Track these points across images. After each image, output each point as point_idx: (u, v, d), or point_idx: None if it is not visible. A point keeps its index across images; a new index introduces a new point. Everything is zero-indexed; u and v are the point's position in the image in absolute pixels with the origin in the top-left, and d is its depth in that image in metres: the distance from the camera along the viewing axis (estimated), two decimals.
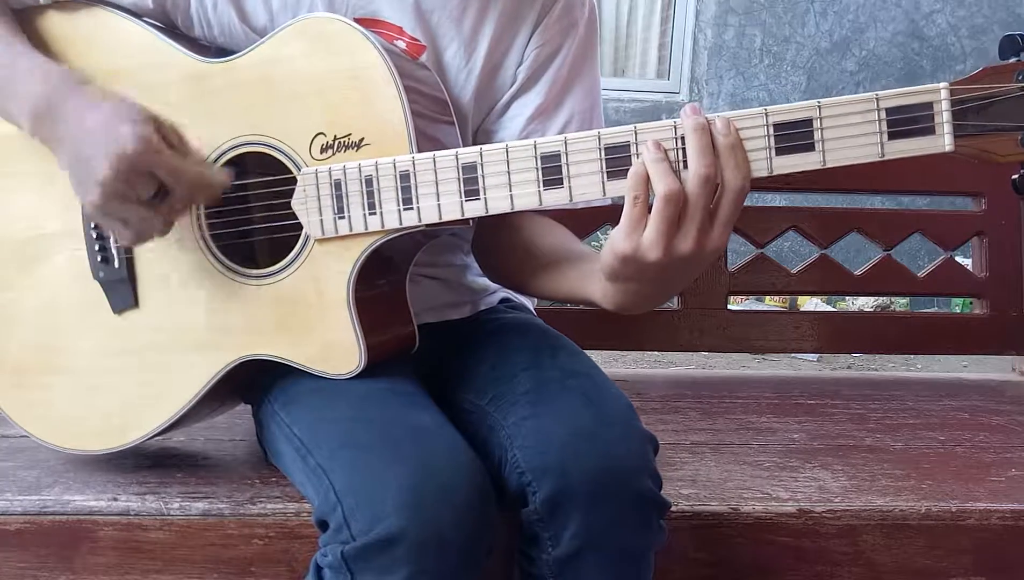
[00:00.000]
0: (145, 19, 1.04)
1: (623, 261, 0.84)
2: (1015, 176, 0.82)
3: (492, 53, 1.08)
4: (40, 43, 1.04)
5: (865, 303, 4.81)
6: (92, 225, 1.03)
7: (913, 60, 5.74)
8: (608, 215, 1.57)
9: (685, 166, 0.82)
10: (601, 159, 0.86)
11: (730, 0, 5.68)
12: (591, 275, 0.94)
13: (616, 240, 0.84)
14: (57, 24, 1.05)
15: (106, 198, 0.90)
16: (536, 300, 1.31)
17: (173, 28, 1.06)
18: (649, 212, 0.82)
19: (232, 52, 1.00)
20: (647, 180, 0.82)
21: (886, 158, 0.80)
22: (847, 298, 4.89)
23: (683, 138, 0.82)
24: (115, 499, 1.01)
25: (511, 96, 1.10)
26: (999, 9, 5.77)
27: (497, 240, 1.10)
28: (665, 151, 0.82)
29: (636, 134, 0.84)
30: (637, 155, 0.84)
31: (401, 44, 1.04)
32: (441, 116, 1.00)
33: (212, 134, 0.99)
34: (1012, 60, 0.78)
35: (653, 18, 5.91)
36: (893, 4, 5.76)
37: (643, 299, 0.91)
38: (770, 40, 5.75)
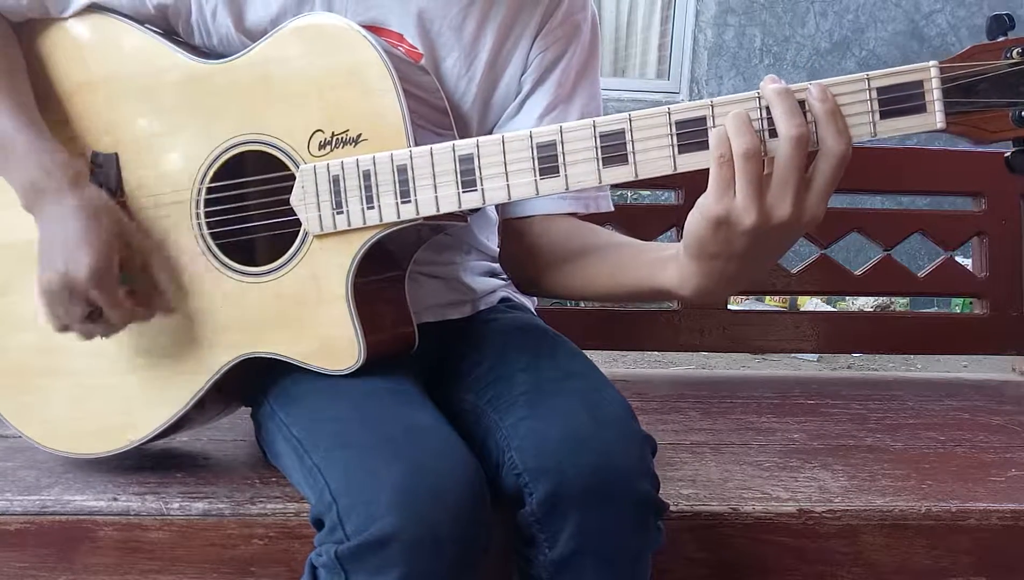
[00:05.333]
0: (146, 24, 1.04)
1: (715, 226, 0.80)
2: (1007, 154, 0.83)
3: (493, 61, 1.08)
4: (44, 50, 1.05)
5: (865, 303, 4.81)
6: None
7: (913, 60, 5.69)
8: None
9: (771, 135, 0.80)
10: (596, 147, 0.86)
11: (730, 0, 5.69)
12: (662, 262, 0.92)
13: (707, 204, 0.80)
14: (60, 30, 1.05)
15: (50, 301, 0.96)
16: (536, 300, 1.31)
17: (173, 34, 1.06)
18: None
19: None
20: (728, 139, 0.79)
21: (878, 137, 0.81)
22: (847, 298, 4.90)
23: (767, 108, 0.80)
24: (115, 499, 1.01)
25: (519, 102, 1.11)
26: (999, 9, 5.76)
27: (540, 249, 1.09)
28: (747, 114, 0.80)
29: (631, 121, 0.85)
30: (632, 142, 0.84)
31: (400, 51, 1.04)
32: (440, 121, 1.01)
33: (211, 134, 0.99)
34: (1000, 39, 0.79)
35: (653, 18, 5.92)
36: (893, 4, 5.77)
37: (725, 281, 0.86)
38: (770, 40, 5.75)
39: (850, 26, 5.75)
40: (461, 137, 1.04)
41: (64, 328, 0.98)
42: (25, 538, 0.99)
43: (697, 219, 0.82)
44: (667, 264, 0.91)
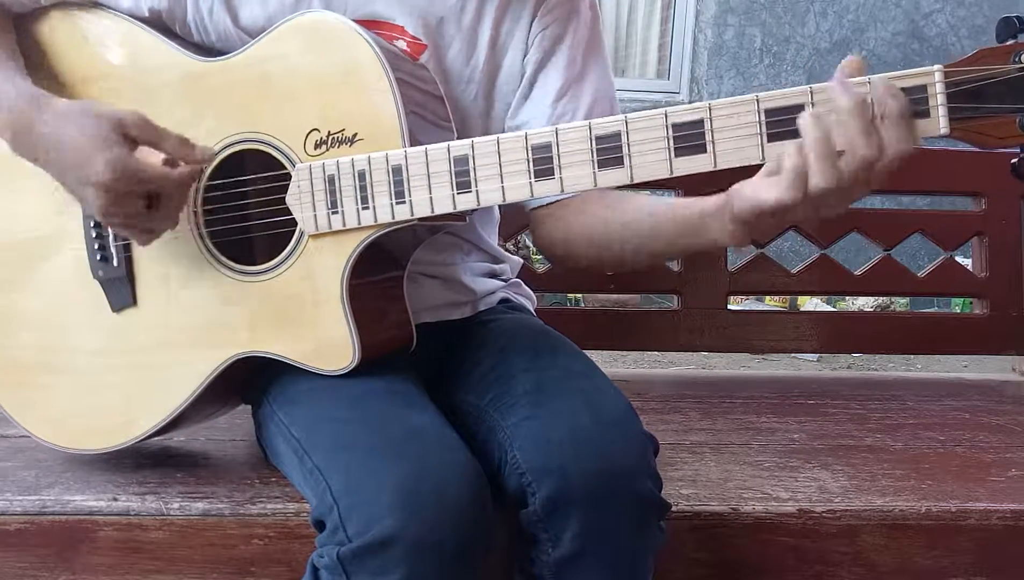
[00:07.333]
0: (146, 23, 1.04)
1: (773, 213, 0.82)
2: (1014, 160, 0.81)
3: (493, 44, 1.09)
4: (41, 44, 1.05)
5: (865, 303, 4.81)
6: (92, 224, 1.03)
7: (913, 60, 5.74)
8: None
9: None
10: (592, 149, 0.86)
11: (730, 0, 5.69)
12: (703, 223, 0.92)
13: (773, 196, 0.81)
14: (57, 26, 1.05)
15: (108, 218, 0.94)
16: (535, 300, 1.31)
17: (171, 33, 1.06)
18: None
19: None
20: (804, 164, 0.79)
21: None
22: (847, 298, 4.89)
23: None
24: (115, 499, 1.01)
25: (527, 85, 1.10)
26: (999, 9, 5.77)
27: (569, 228, 1.09)
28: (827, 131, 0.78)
29: (627, 123, 0.84)
30: (628, 145, 0.84)
31: (401, 44, 1.04)
32: (437, 115, 1.01)
33: (208, 132, 0.99)
34: (1009, 42, 0.77)
35: (653, 18, 5.92)
36: (893, 4, 5.77)
37: (769, 232, 0.94)
38: (770, 40, 5.75)
39: (850, 26, 5.75)
40: (469, 125, 1.04)
41: (148, 234, 0.96)
42: (25, 538, 0.99)
43: (749, 203, 0.83)
44: (709, 224, 0.91)
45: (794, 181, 0.79)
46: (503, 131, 1.10)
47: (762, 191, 0.82)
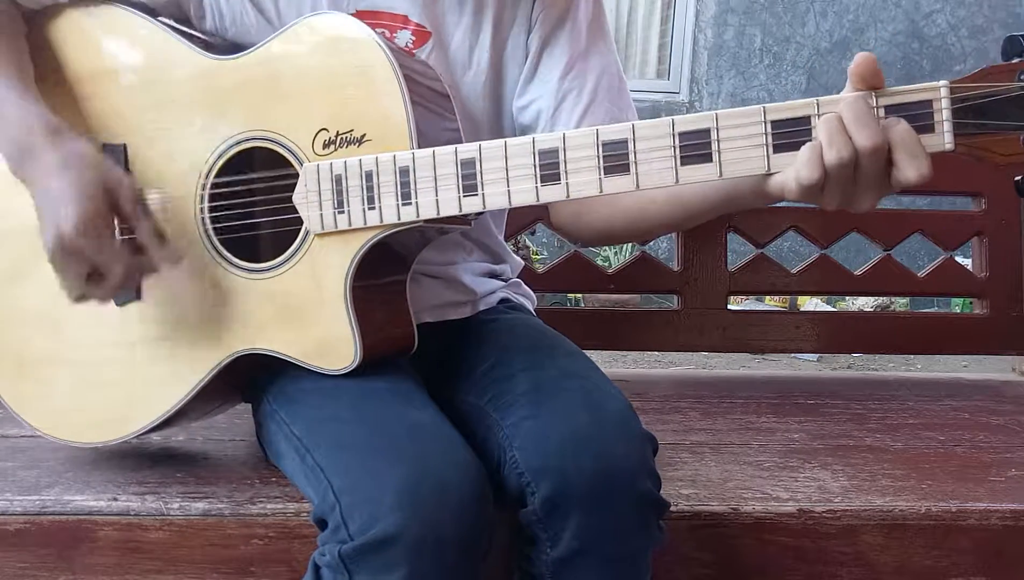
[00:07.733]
0: (159, 17, 1.05)
1: (795, 196, 0.83)
2: (1018, 177, 0.81)
3: (498, 28, 1.09)
4: (51, 40, 1.06)
5: (865, 303, 4.82)
6: None
7: (913, 60, 5.75)
8: None
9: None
10: (599, 156, 0.86)
11: (730, 0, 5.69)
12: (740, 185, 0.92)
13: (790, 190, 0.82)
14: (70, 22, 1.06)
15: (53, 261, 0.93)
16: (535, 300, 1.31)
17: (186, 21, 1.07)
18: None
19: (241, 45, 1.02)
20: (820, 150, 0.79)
21: None
22: (847, 298, 4.90)
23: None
24: (115, 499, 1.01)
25: (533, 64, 1.11)
26: (999, 9, 5.78)
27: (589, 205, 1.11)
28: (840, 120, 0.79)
29: (634, 131, 0.84)
30: (634, 152, 0.84)
31: (407, 34, 1.05)
32: (444, 108, 1.01)
33: (218, 129, 1.00)
34: (1015, 60, 0.77)
35: (653, 18, 5.93)
36: (893, 4, 5.77)
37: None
38: (770, 40, 5.76)
39: (850, 26, 5.75)
40: (478, 110, 1.05)
41: (78, 297, 0.95)
42: (25, 538, 0.99)
43: (780, 187, 0.83)
44: (743, 187, 0.91)
45: (810, 158, 0.79)
46: (512, 114, 1.13)
47: (785, 171, 0.82)
